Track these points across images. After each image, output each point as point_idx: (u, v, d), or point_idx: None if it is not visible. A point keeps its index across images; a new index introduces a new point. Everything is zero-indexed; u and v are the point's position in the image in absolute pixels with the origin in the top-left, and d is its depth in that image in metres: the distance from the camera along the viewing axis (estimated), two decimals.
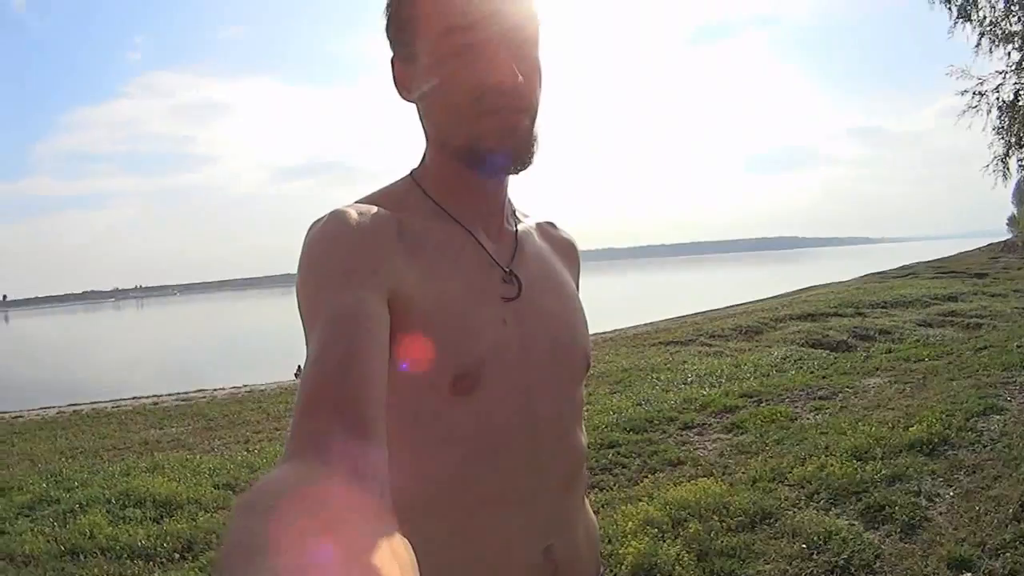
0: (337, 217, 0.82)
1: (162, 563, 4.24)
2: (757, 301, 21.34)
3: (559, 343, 0.93)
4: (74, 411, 12.12)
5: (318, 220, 0.83)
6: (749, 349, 11.43)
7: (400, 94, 0.94)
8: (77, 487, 5.91)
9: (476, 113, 0.85)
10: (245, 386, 14.54)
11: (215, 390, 14.27)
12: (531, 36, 0.88)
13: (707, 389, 7.92)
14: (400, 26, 0.91)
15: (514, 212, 1.01)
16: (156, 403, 12.65)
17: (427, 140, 0.94)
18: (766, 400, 7.13)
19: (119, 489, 5.59)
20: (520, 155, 0.87)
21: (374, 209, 0.85)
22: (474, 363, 0.83)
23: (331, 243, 0.79)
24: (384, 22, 0.93)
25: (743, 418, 6.43)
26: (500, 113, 0.85)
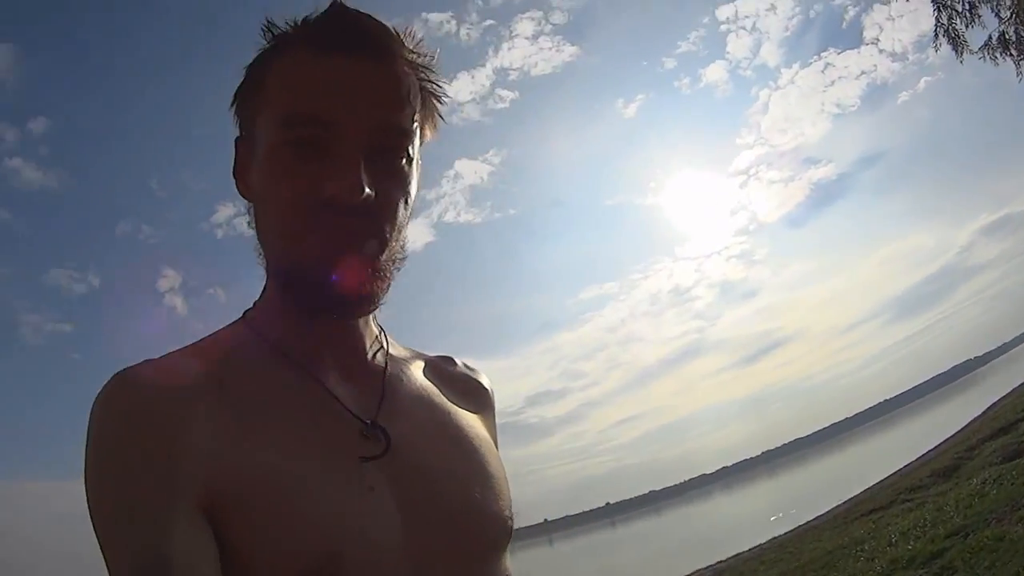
0: (124, 389, 0.64)
1: None
2: (947, 440, 19.76)
3: (457, 506, 0.71)
4: None
5: (101, 392, 0.64)
6: (950, 489, 10.68)
7: (237, 186, 0.77)
8: None
9: (301, 229, 0.68)
10: None
11: None
12: (399, 139, 0.71)
13: (912, 543, 7.56)
14: (244, 99, 0.75)
15: (384, 348, 0.81)
16: None
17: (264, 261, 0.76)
18: (972, 531, 6.78)
19: None
20: (356, 290, 0.69)
21: (180, 366, 0.67)
22: (327, 556, 0.61)
23: (118, 433, 0.61)
24: (235, 92, 0.77)
25: (951, 558, 6.23)
26: (331, 233, 0.67)
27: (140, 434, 0.61)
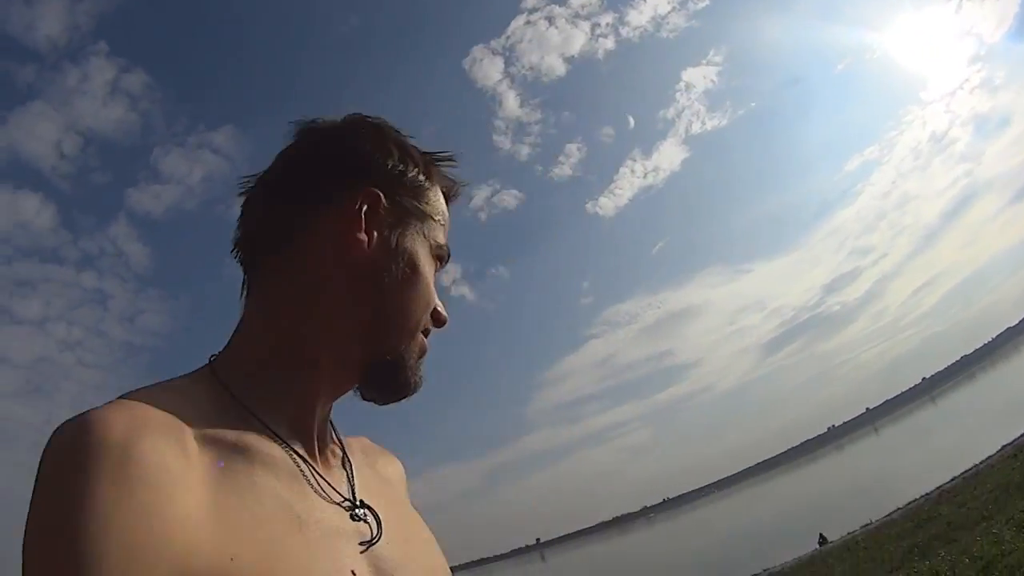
0: (94, 437, 0.53)
1: None
2: None
3: None
4: None
5: (59, 443, 0.55)
6: None
7: (348, 233, 0.73)
8: None
9: (417, 328, 0.77)
10: None
11: None
12: None
13: None
14: (402, 178, 0.77)
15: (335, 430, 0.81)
16: None
17: (307, 303, 0.73)
18: None
19: None
20: (414, 387, 0.78)
21: (158, 419, 0.58)
22: None
23: (89, 486, 0.51)
24: (403, 154, 0.78)
25: None
26: (424, 342, 0.79)
27: (114, 494, 0.51)
